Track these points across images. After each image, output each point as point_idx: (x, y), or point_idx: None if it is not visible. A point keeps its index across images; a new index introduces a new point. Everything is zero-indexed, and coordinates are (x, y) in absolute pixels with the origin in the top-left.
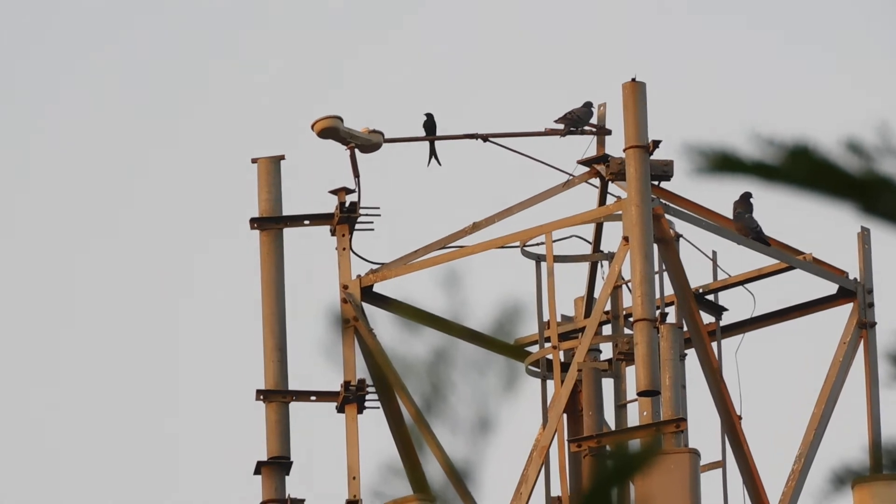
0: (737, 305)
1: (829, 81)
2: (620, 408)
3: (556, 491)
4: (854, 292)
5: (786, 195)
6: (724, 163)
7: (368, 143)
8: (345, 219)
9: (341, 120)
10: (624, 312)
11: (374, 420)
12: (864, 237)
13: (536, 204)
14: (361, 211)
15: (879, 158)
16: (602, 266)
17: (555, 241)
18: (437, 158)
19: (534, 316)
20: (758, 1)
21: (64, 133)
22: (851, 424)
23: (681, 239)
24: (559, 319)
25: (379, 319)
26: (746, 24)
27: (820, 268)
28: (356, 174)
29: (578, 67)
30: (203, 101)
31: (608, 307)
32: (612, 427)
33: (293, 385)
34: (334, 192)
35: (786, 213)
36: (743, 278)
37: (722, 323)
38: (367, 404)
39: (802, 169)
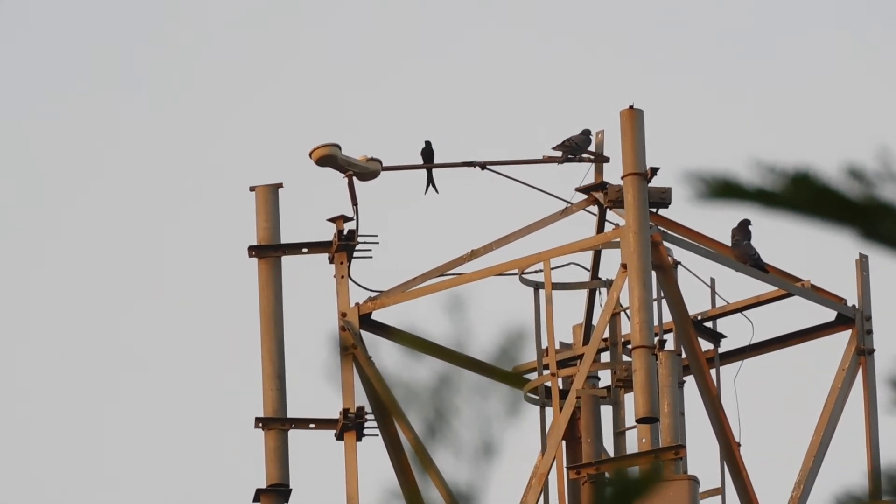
0: (735, 332)
1: (829, 106)
2: (619, 435)
3: None
4: (853, 319)
5: (787, 221)
6: (725, 189)
7: (366, 170)
8: (343, 246)
9: (339, 148)
10: (622, 339)
11: (373, 447)
12: (863, 264)
13: (535, 231)
14: (360, 239)
15: (880, 184)
16: (600, 293)
17: (553, 268)
18: (434, 186)
19: (533, 343)
20: (754, 28)
21: (62, 157)
22: (850, 451)
23: (679, 266)
24: (558, 346)
25: (377, 347)
26: (742, 51)
27: (818, 295)
28: (354, 202)
29: (576, 95)
30: (201, 130)
31: (606, 334)
32: (611, 454)
33: (292, 413)
34: (332, 219)
35: (784, 240)
36: (741, 305)
37: (720, 350)
38: (366, 432)
39: (803, 195)
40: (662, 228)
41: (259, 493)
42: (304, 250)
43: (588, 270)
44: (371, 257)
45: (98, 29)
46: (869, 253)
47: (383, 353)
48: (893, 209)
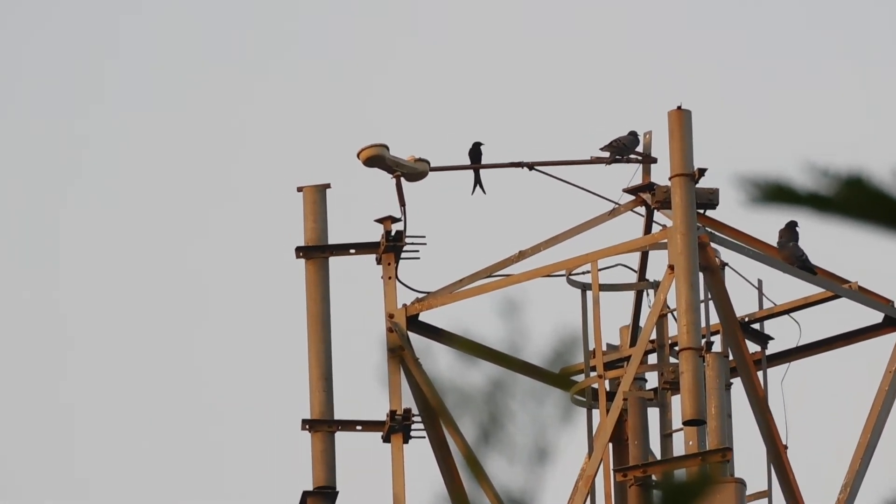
0: (782, 334)
1: (880, 108)
2: (666, 437)
3: None
4: None
5: (838, 225)
6: (778, 194)
7: (414, 171)
8: (391, 247)
9: (387, 148)
10: (669, 341)
11: (420, 450)
12: None
13: (582, 232)
14: (407, 239)
15: None
16: (647, 295)
17: (600, 269)
18: (482, 187)
19: (578, 342)
20: (804, 26)
21: (107, 158)
22: None
23: (726, 267)
24: (605, 348)
25: (428, 350)
26: (789, 52)
27: (865, 296)
28: (402, 203)
29: (624, 95)
30: (249, 130)
31: (654, 336)
32: (658, 456)
33: (339, 415)
34: (380, 220)
35: (831, 241)
36: (789, 307)
37: (768, 352)
38: (413, 434)
39: (856, 199)
40: (710, 229)
41: (306, 496)
42: (352, 251)
43: (635, 272)
44: (419, 258)
45: (155, 25)
46: None
47: (434, 356)
48: None
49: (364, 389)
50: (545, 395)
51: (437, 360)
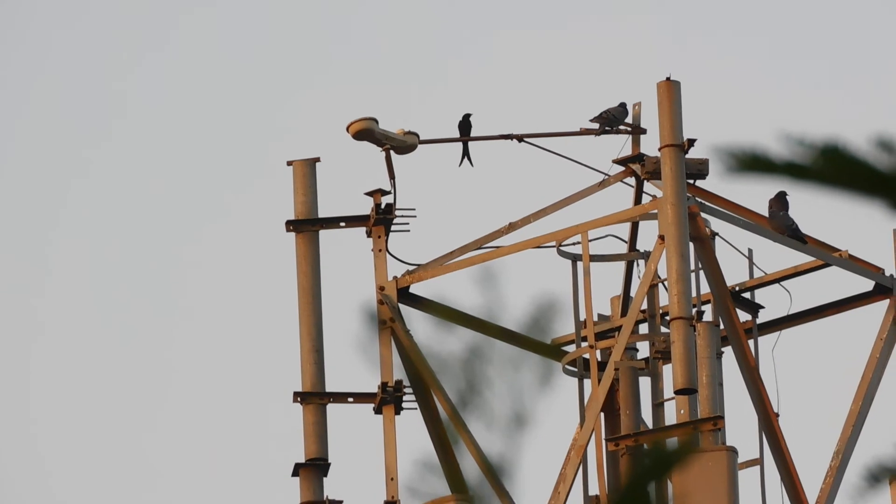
0: (773, 303)
1: (858, 78)
2: (658, 406)
3: (593, 490)
4: (890, 289)
5: (817, 194)
6: (754, 163)
7: (404, 144)
8: (381, 220)
9: (376, 122)
10: (660, 311)
11: (411, 421)
12: None
13: (572, 204)
14: (397, 212)
15: None
16: (638, 265)
17: (591, 240)
18: (469, 159)
19: (568, 313)
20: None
21: (98, 134)
22: (889, 421)
23: (716, 237)
24: (596, 319)
25: (415, 320)
26: (778, 22)
27: (856, 265)
28: (392, 175)
29: (613, 67)
30: (238, 105)
31: (644, 306)
32: (650, 426)
33: (330, 387)
34: (370, 193)
35: (821, 210)
36: (779, 276)
37: (758, 321)
38: (404, 405)
39: (833, 168)
40: (700, 200)
41: (298, 468)
42: (342, 224)
43: (626, 242)
44: (409, 231)
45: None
46: None
47: (417, 325)
48: None
49: (355, 362)
50: (523, 361)
51: (420, 329)
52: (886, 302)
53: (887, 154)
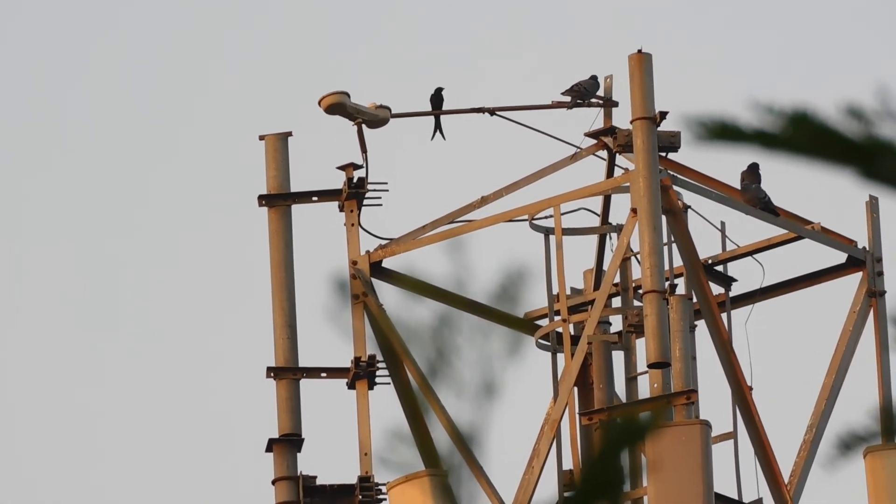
0: (746, 276)
1: (829, 47)
2: (631, 380)
3: (567, 464)
4: (863, 261)
5: (787, 163)
6: (723, 132)
7: (376, 118)
8: (353, 194)
9: (348, 95)
10: (633, 284)
11: (385, 396)
12: (873, 206)
13: (544, 177)
14: (369, 186)
15: (880, 123)
16: (611, 238)
17: (563, 213)
18: (441, 132)
19: (539, 282)
20: None
21: (72, 113)
22: (862, 393)
23: (689, 210)
24: (568, 292)
25: (388, 294)
26: None
27: (829, 237)
28: (364, 149)
29: (584, 40)
30: (210, 79)
31: (617, 279)
32: (623, 400)
33: (303, 362)
34: (342, 167)
35: (794, 182)
36: (752, 249)
37: (731, 294)
38: (377, 380)
39: (802, 136)
40: (672, 172)
41: (271, 443)
42: (314, 199)
43: (598, 216)
44: (381, 205)
45: None
46: (875, 193)
47: (389, 299)
48: (893, 148)
49: (328, 336)
50: (492, 330)
51: (390, 301)
52: (859, 274)
53: (857, 122)
